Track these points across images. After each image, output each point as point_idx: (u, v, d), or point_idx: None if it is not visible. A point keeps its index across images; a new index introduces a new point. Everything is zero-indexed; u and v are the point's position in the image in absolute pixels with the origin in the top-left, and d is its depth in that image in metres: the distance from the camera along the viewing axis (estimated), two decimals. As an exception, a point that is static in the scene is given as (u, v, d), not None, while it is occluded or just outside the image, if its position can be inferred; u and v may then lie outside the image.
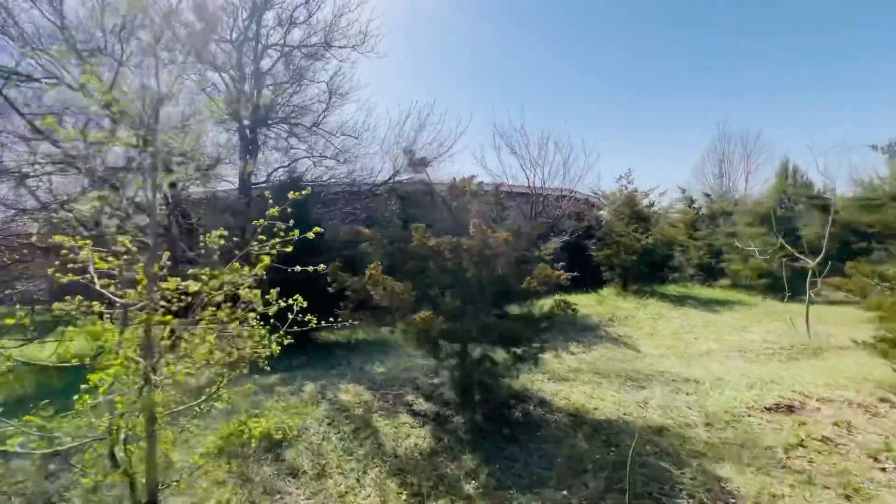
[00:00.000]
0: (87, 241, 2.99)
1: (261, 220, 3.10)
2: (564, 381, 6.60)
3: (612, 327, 10.51)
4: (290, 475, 4.25)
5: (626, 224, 14.43)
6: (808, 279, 8.36)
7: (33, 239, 9.73)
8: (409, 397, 5.96)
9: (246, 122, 14.58)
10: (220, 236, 3.27)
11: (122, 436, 2.70)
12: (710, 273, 16.74)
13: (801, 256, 8.61)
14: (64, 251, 2.92)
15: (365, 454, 4.59)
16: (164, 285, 2.82)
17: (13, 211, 9.88)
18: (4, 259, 9.05)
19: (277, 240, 3.29)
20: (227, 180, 15.02)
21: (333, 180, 14.86)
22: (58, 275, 2.99)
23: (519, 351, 4.82)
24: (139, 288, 2.94)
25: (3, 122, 10.17)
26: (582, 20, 40.21)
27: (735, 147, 30.41)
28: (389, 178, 16.09)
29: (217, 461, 4.51)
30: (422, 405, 5.74)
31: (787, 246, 9.00)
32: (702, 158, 33.65)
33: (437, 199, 6.07)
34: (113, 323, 3.01)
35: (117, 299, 2.97)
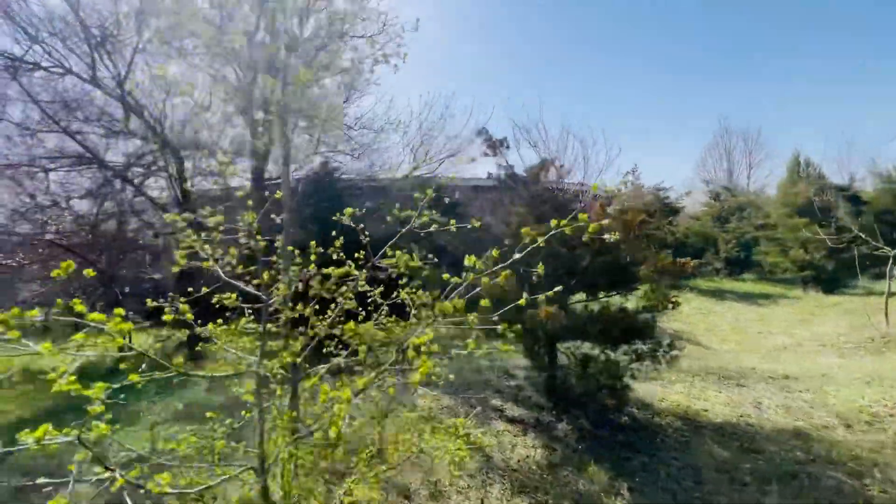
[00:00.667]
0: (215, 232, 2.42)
1: (428, 191, 2.54)
2: (652, 380, 6.11)
3: (663, 323, 10.07)
4: (403, 496, 3.69)
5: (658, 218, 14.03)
6: (889, 268, 7.98)
7: (48, 236, 9.02)
8: (495, 401, 5.41)
9: (259, 117, 13.90)
10: (350, 215, 2.72)
11: (280, 466, 2.13)
12: (738, 266, 16.43)
13: (880, 245, 8.24)
14: (186, 245, 2.35)
15: (477, 469, 4.04)
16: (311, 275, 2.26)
17: (25, 207, 9.12)
18: (20, 259, 8.32)
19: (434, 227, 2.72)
20: (239, 175, 14.20)
21: (356, 175, 14.23)
22: (174, 267, 2.43)
23: (646, 348, 4.31)
24: (266, 283, 2.38)
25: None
26: (583, 22, 39.97)
27: (737, 142, 30.31)
28: (409, 173, 15.51)
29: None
30: (514, 410, 5.20)
31: (862, 235, 8.62)
32: (703, 154, 33.46)
33: (519, 184, 5.55)
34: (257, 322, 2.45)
35: (258, 293, 2.41)
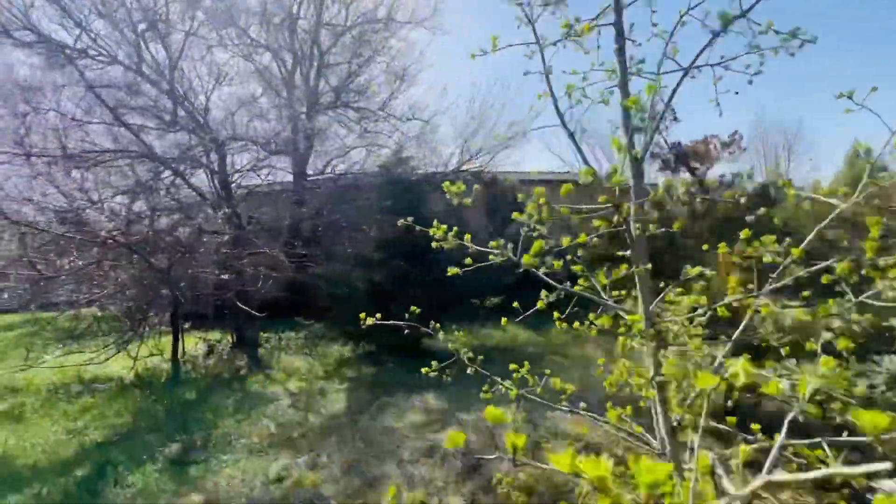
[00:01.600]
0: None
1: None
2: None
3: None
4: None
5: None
6: None
7: (103, 233, 8.30)
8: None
9: (302, 109, 13.16)
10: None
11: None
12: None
13: None
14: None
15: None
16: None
17: (74, 204, 8.39)
18: (74, 259, 7.62)
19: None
20: (282, 169, 13.20)
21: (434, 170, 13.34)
22: (452, 270, 1.59)
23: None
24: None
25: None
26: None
27: (774, 138, 28.48)
28: (459, 165, 14.61)
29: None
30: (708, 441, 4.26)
31: None
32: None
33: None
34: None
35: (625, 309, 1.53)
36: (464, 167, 14.07)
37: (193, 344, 9.26)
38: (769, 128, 27.85)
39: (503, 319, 2.75)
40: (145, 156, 9.27)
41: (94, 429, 5.30)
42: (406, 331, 2.41)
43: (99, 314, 8.13)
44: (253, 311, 8.01)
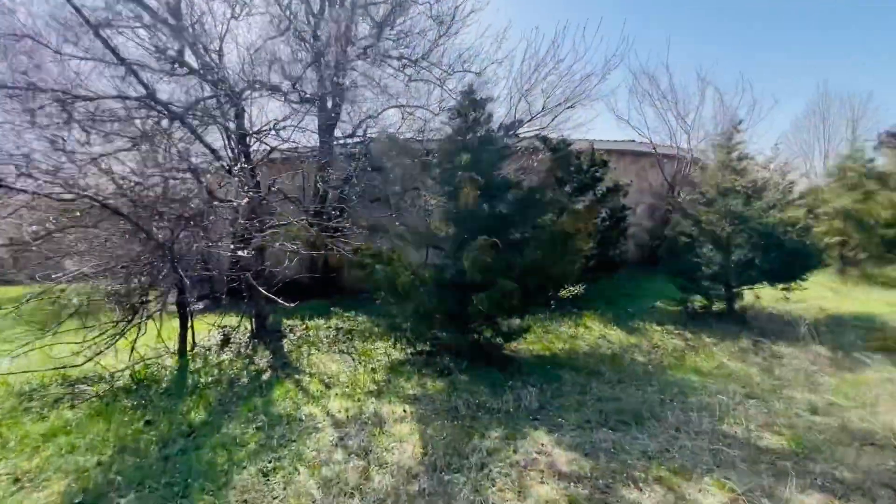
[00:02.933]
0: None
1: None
2: None
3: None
4: None
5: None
6: None
7: (89, 193, 6.48)
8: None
9: (331, 58, 11.03)
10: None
11: None
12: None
13: None
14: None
15: None
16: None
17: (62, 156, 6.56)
18: (51, 225, 5.83)
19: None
20: (307, 129, 11.08)
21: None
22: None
23: None
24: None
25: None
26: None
27: (839, 111, 25.04)
28: (517, 126, 12.38)
29: None
30: None
31: None
32: (794, 125, 28.56)
33: None
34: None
35: None
36: (522, 129, 11.86)
37: (206, 331, 7.58)
38: (832, 101, 24.34)
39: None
40: (145, 101, 7.35)
41: (54, 473, 3.57)
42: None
43: (87, 294, 6.41)
44: (277, 298, 6.22)
